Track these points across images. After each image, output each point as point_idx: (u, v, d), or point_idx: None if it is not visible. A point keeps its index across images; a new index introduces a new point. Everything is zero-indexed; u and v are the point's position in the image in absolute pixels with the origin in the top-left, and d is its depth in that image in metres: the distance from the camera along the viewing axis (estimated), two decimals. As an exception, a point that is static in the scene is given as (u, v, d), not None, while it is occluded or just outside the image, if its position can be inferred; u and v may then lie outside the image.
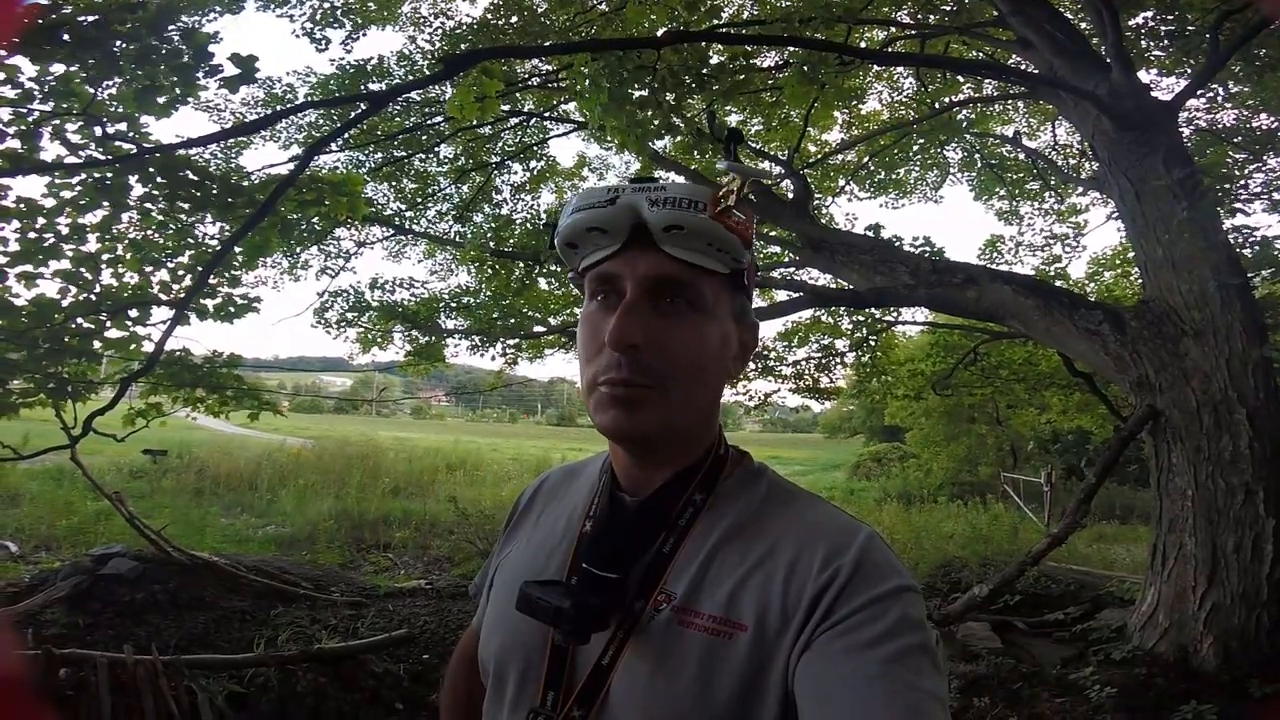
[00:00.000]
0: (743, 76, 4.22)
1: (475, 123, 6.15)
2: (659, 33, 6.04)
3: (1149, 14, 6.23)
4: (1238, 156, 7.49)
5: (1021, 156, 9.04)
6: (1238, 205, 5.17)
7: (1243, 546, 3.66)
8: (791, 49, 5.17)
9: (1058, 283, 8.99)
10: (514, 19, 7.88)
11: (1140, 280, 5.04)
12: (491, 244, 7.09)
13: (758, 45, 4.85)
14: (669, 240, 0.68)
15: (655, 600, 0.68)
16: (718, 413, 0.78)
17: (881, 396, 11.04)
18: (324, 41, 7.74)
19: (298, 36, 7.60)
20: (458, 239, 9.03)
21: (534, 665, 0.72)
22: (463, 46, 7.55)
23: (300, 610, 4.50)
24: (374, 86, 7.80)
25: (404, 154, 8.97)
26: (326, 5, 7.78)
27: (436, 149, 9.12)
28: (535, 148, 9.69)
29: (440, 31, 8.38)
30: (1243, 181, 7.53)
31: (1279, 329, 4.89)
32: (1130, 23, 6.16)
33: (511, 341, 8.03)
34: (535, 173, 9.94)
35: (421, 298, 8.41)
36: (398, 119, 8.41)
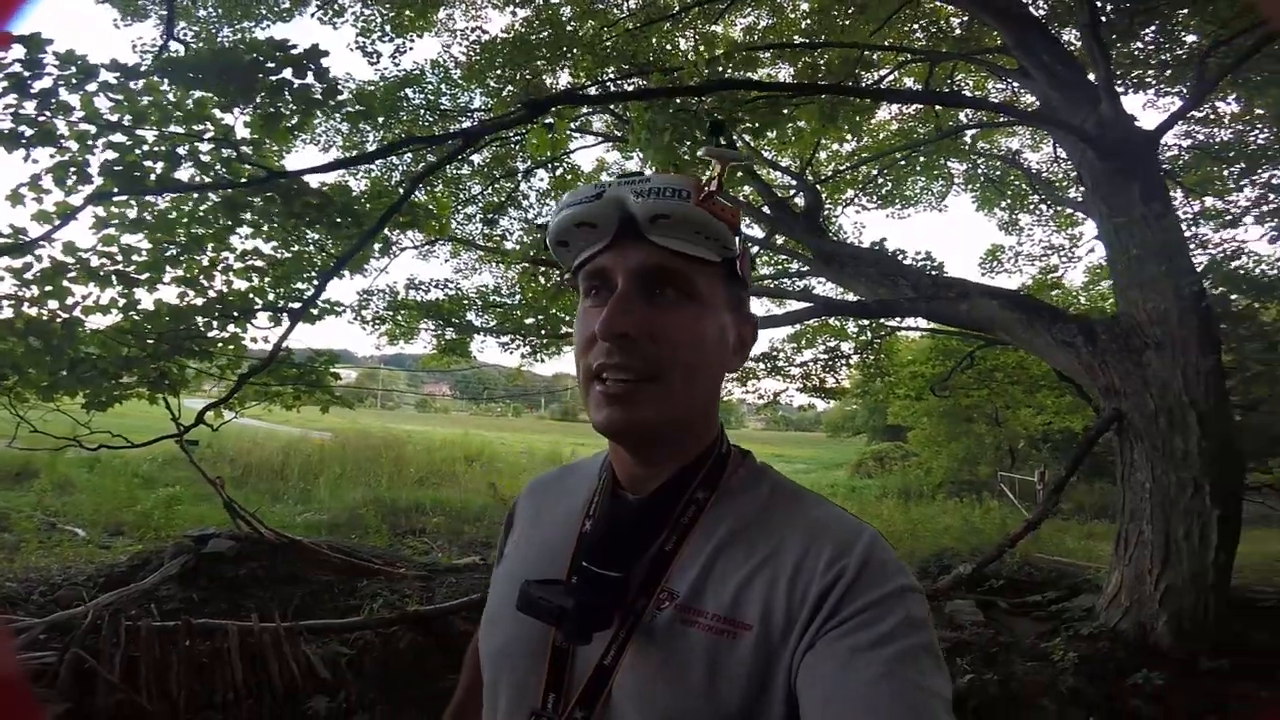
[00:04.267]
0: (771, 112, 4.76)
1: (548, 157, 6.79)
2: (681, 47, 6.65)
3: (1145, 41, 6.66)
4: (1231, 170, 7.97)
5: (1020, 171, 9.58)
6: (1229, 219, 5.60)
7: (1191, 534, 4.16)
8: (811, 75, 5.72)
9: (1054, 291, 9.58)
10: (545, 33, 8.46)
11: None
12: (531, 252, 7.67)
13: (792, 94, 5.37)
14: (656, 230, 0.68)
15: (658, 599, 0.67)
16: (717, 408, 0.77)
17: (884, 397, 11.59)
18: (375, 55, 8.37)
19: (351, 50, 8.22)
20: (489, 244, 9.62)
21: (534, 667, 0.70)
22: (498, 60, 8.18)
23: (379, 583, 4.88)
24: (410, 94, 8.50)
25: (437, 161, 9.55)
26: (369, 13, 8.41)
27: (469, 156, 9.69)
28: (561, 155, 10.23)
29: (476, 44, 8.93)
30: (1232, 196, 8.04)
31: (1242, 343, 5.40)
32: (1129, 48, 6.59)
33: (541, 341, 8.61)
34: (557, 178, 10.48)
35: (453, 296, 8.99)
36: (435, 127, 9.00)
